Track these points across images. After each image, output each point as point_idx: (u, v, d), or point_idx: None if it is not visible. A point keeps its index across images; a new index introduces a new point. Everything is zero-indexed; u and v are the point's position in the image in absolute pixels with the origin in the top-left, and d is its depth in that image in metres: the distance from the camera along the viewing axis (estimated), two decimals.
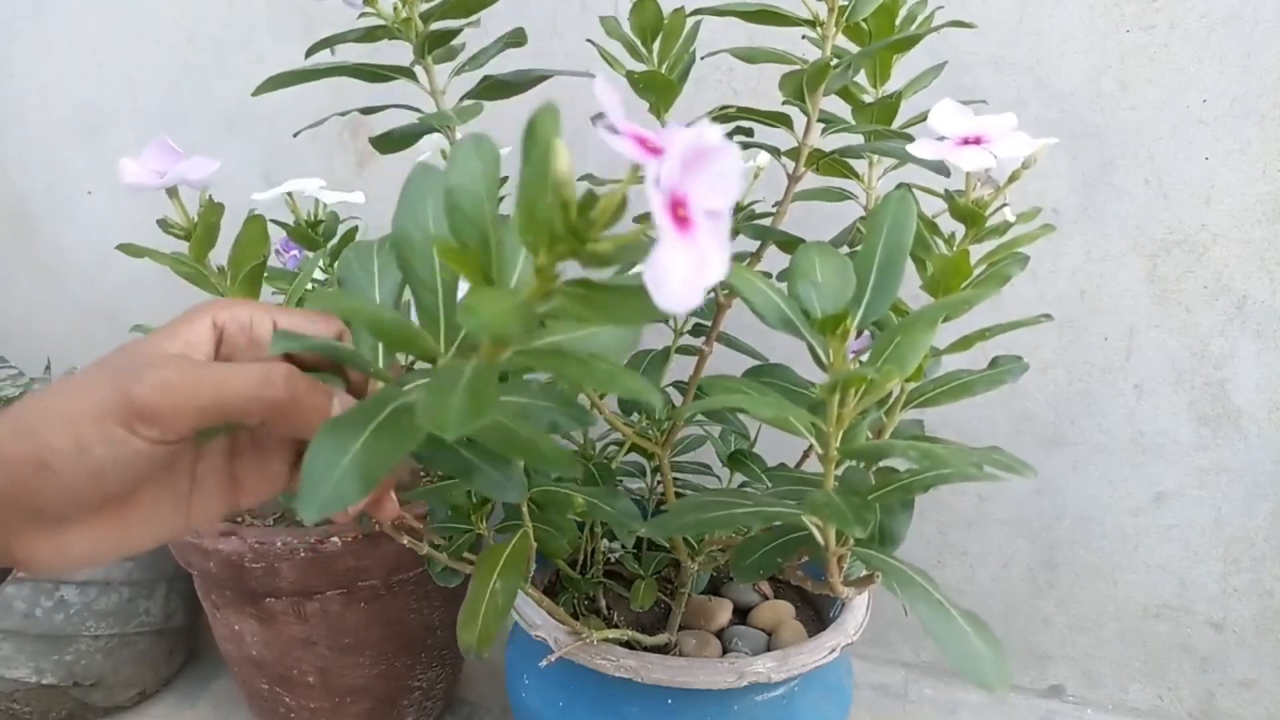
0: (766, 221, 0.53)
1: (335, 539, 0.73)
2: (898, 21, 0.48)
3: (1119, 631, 0.92)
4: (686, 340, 0.65)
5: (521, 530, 0.52)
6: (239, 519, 0.83)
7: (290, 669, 0.80)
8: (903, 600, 0.35)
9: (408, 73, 0.46)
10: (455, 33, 0.43)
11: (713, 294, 0.55)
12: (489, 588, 0.48)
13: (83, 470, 0.29)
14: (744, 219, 0.54)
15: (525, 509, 0.54)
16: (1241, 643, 0.88)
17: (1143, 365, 0.83)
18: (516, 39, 0.47)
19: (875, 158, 0.51)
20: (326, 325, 0.34)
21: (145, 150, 0.41)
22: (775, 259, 0.51)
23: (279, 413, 0.30)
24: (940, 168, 0.42)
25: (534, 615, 0.61)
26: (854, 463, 0.42)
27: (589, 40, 0.52)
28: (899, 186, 0.40)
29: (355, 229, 0.61)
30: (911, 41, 0.44)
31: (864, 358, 0.36)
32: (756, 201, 0.58)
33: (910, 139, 0.41)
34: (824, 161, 0.49)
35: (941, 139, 0.39)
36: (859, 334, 0.35)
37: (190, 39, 1.01)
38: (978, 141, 0.39)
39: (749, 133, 0.53)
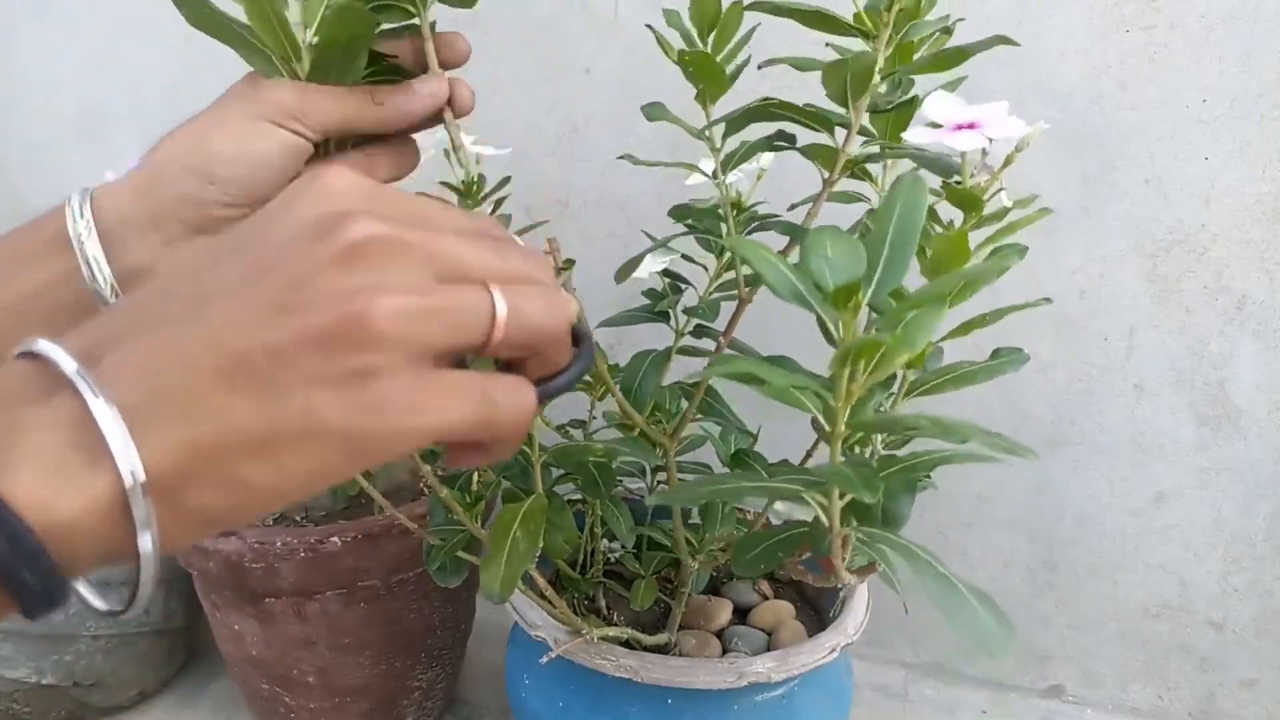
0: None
1: (335, 539, 0.73)
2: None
3: (1119, 631, 0.92)
4: (688, 341, 0.65)
5: (535, 494, 0.55)
6: None
7: (290, 669, 0.80)
8: (911, 573, 0.36)
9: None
10: None
11: (734, 290, 0.56)
12: (510, 537, 0.50)
13: (242, 168, 0.34)
14: (746, 219, 0.54)
15: (538, 473, 0.56)
16: (1241, 643, 0.88)
17: (1143, 365, 0.83)
18: None
19: (889, 161, 0.52)
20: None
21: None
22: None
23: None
24: (944, 167, 0.42)
25: (534, 615, 0.62)
26: (858, 449, 0.43)
27: (647, 25, 0.53)
28: (912, 170, 0.41)
29: None
30: (959, 58, 0.44)
31: None
32: (760, 203, 0.58)
33: (923, 150, 0.42)
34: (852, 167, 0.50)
35: (936, 127, 0.40)
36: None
37: (190, 39, 0.99)
38: (971, 127, 0.39)
39: (791, 139, 0.53)
